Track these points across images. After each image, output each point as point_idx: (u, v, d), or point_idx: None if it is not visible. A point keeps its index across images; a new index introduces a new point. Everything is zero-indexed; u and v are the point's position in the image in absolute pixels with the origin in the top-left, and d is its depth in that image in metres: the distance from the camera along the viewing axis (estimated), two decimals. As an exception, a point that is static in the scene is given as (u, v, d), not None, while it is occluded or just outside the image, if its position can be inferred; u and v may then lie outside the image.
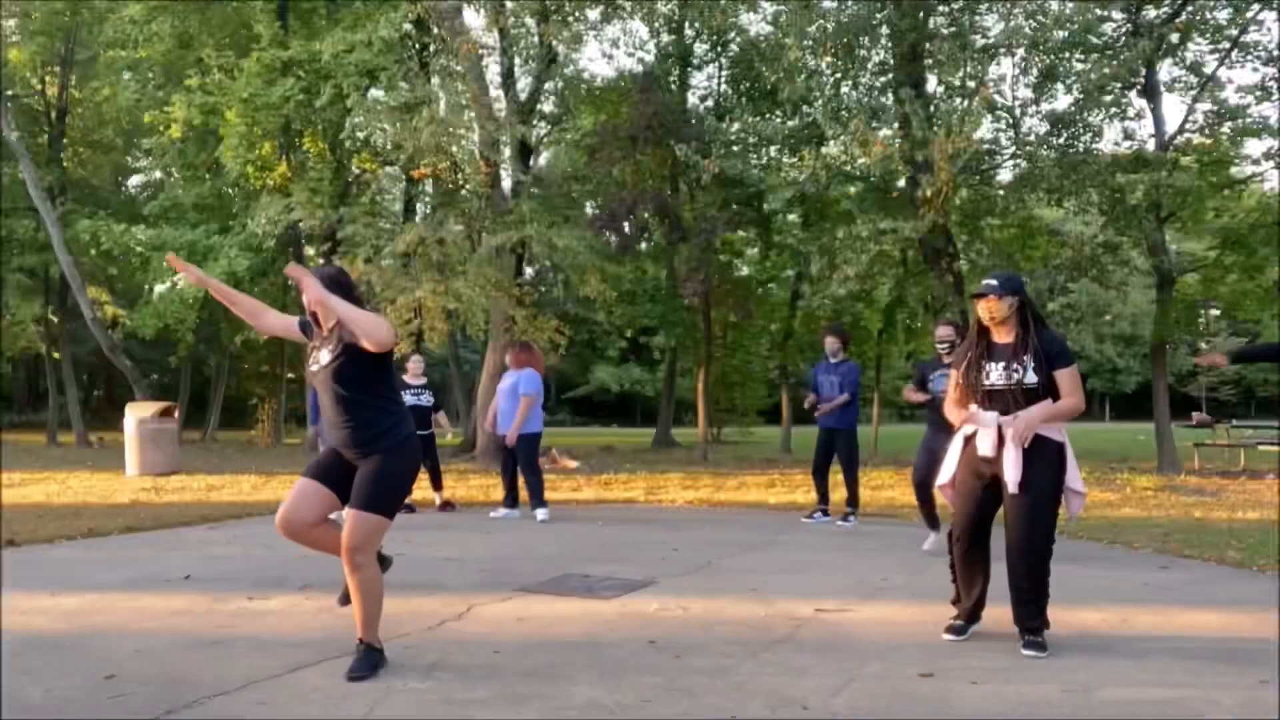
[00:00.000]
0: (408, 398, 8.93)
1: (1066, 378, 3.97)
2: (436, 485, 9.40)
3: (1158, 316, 15.24)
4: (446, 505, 9.38)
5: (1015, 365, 3.97)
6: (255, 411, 30.15)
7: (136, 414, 13.59)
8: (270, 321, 3.88)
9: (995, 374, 4.01)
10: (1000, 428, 3.97)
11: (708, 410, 20.10)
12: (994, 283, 4.05)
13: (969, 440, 4.14)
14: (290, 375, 28.73)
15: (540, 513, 8.63)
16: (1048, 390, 3.96)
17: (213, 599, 4.88)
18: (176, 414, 14.99)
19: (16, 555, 6.42)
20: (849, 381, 8.04)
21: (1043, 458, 3.94)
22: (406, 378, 9.16)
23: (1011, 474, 3.91)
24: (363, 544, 3.52)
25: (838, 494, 8.41)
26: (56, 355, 25.27)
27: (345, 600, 4.04)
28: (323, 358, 3.61)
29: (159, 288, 20.90)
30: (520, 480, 8.81)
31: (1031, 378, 3.93)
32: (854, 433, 8.17)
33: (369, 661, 3.54)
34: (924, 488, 6.49)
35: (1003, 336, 4.06)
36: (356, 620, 3.58)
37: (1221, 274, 15.82)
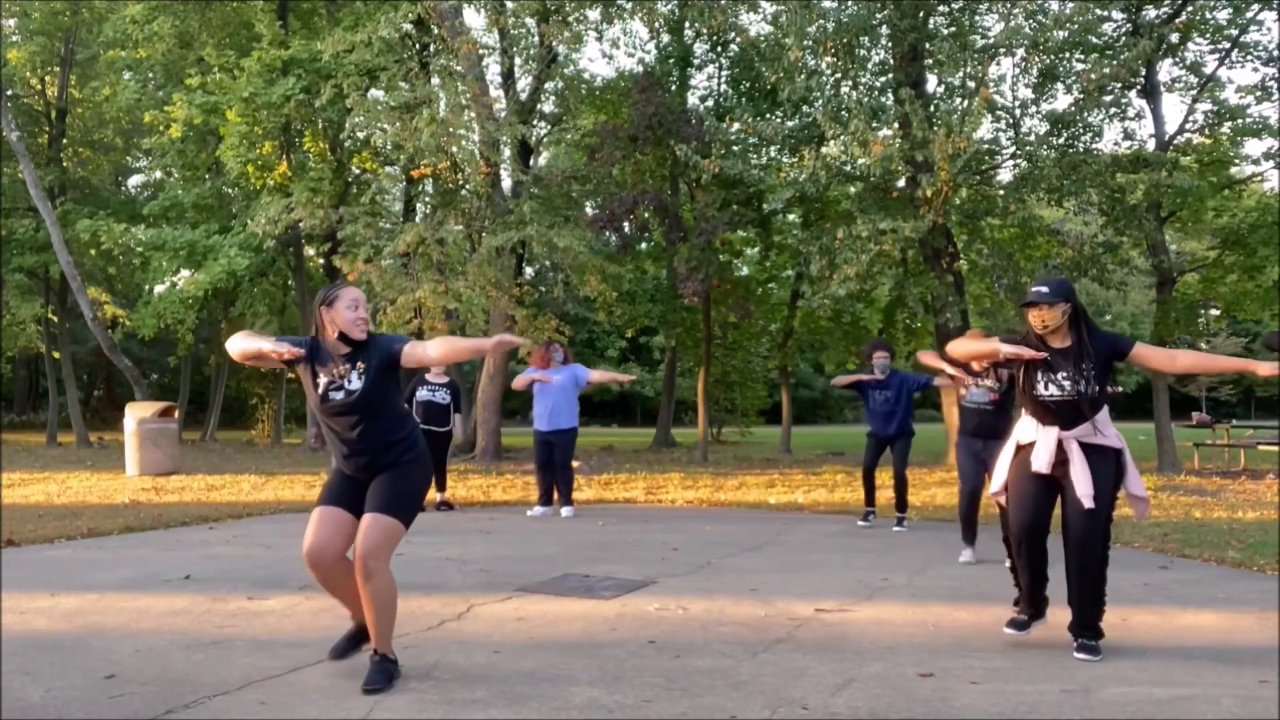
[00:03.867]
0: (423, 393, 9.01)
1: (1145, 349, 3.84)
2: (440, 485, 9.43)
3: (1158, 316, 15.23)
4: (445, 505, 9.40)
5: (1079, 376, 3.78)
6: (255, 411, 30.15)
7: (136, 414, 13.59)
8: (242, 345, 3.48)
9: (1056, 385, 3.82)
10: (1061, 442, 3.82)
11: (708, 410, 20.10)
12: (1045, 290, 3.85)
13: (1020, 449, 4.00)
14: (290, 376, 28.67)
15: (566, 510, 8.74)
16: (1107, 397, 3.83)
17: (213, 599, 4.88)
18: (176, 414, 14.99)
19: (16, 555, 6.42)
20: (909, 388, 7.77)
21: (1103, 464, 3.81)
22: (429, 375, 9.18)
23: (1083, 488, 3.75)
24: (378, 550, 3.34)
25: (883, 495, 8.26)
26: (56, 355, 25.27)
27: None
28: (352, 383, 3.42)
29: (159, 288, 20.92)
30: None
31: (1096, 388, 3.78)
32: (911, 439, 7.94)
33: (384, 673, 3.39)
34: (974, 496, 6.18)
35: (1057, 342, 3.86)
36: (370, 630, 3.45)
37: (1221, 274, 15.83)
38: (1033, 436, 3.92)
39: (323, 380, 3.46)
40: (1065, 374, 3.81)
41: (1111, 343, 3.88)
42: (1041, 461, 3.84)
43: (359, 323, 3.46)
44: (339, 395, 3.42)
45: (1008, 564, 4.18)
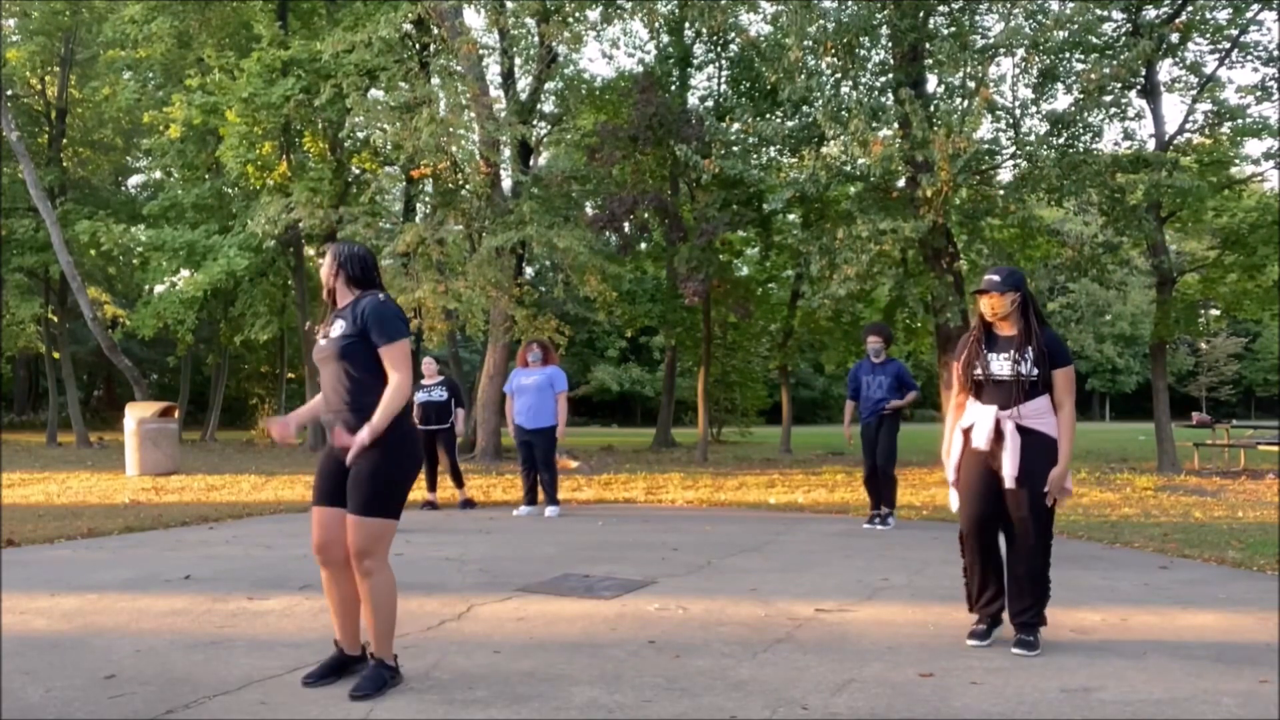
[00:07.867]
0: (419, 395, 9.21)
1: (1064, 377, 3.98)
2: (457, 482, 9.50)
3: (1158, 316, 15.23)
4: (468, 503, 9.46)
5: (1019, 357, 3.96)
6: (255, 411, 30.16)
7: (136, 414, 13.59)
8: None
9: (997, 364, 3.99)
10: (998, 421, 3.96)
11: (708, 410, 20.10)
12: (996, 279, 4.05)
13: (967, 434, 4.10)
14: (290, 375, 28.74)
15: (551, 510, 8.75)
16: (1045, 385, 3.97)
17: (213, 599, 4.88)
18: (176, 414, 14.99)
19: (16, 555, 6.42)
20: (905, 381, 7.93)
21: (1040, 452, 3.93)
22: (423, 379, 9.44)
23: (1009, 468, 3.92)
24: (369, 549, 3.29)
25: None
26: (56, 355, 25.27)
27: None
28: (334, 331, 3.43)
29: (158, 288, 20.93)
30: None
31: (1034, 370, 3.94)
32: (896, 421, 8.06)
33: (376, 680, 3.31)
34: None
35: (1005, 329, 4.05)
36: (369, 632, 3.40)
37: (1221, 274, 15.82)
38: (974, 417, 4.07)
39: (321, 325, 3.58)
40: (1006, 355, 4.00)
41: (1055, 348, 4.00)
42: (980, 438, 4.00)
43: (325, 280, 3.55)
44: (323, 341, 3.48)
45: (963, 564, 4.18)
